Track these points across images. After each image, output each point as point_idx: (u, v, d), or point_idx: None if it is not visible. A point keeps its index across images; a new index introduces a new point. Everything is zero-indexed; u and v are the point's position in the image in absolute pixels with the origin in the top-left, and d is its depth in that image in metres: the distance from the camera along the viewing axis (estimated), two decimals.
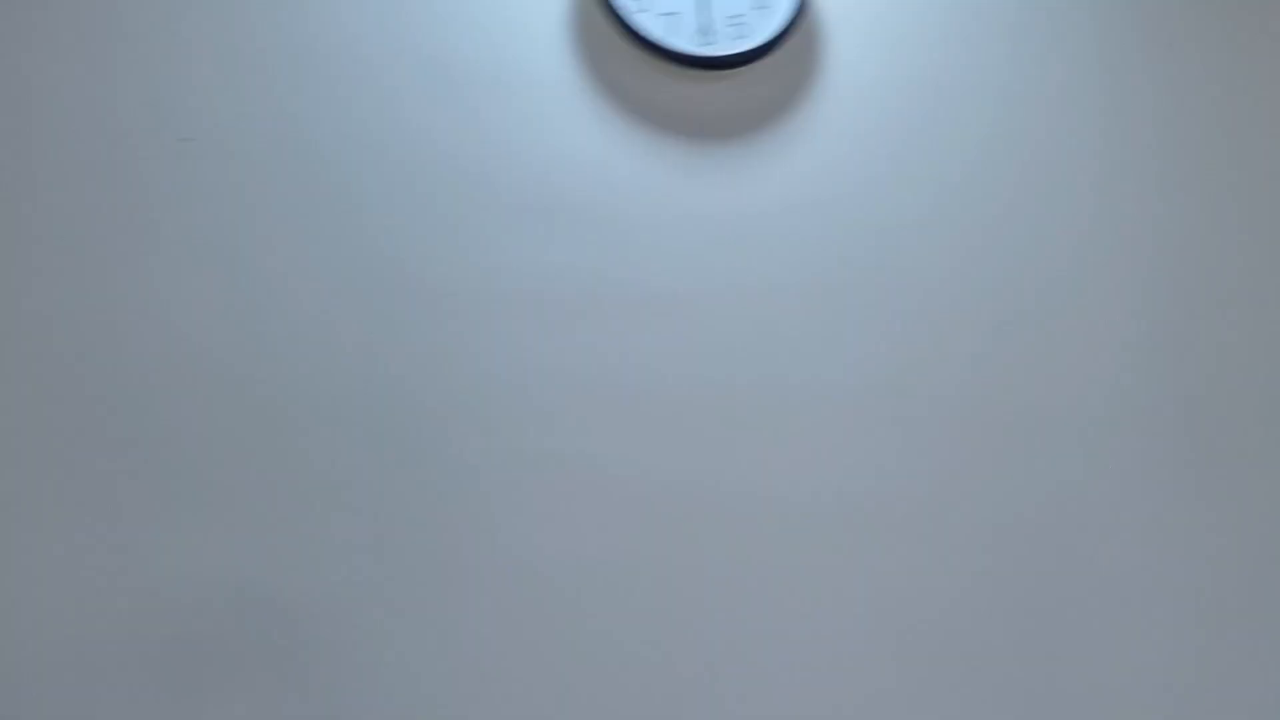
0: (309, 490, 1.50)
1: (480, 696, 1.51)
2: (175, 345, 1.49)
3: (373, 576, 1.50)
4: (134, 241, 1.50)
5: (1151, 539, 1.71)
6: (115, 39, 1.52)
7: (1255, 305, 1.80)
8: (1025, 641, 1.66)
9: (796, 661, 1.59)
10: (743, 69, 1.68)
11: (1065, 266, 1.74)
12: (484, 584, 1.52)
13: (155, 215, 1.50)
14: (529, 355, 1.57)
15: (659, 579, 1.57)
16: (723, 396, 1.61)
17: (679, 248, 1.63)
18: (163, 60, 1.53)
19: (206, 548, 1.46)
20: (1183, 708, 1.69)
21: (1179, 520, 1.72)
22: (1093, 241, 1.76)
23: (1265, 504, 1.75)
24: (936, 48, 1.75)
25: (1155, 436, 1.73)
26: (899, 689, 1.62)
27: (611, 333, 1.60)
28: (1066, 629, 1.67)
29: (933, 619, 1.63)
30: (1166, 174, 1.80)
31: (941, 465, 1.66)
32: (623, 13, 1.62)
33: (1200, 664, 1.71)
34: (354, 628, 1.49)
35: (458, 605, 1.51)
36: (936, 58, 1.75)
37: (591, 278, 1.60)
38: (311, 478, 1.50)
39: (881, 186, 1.70)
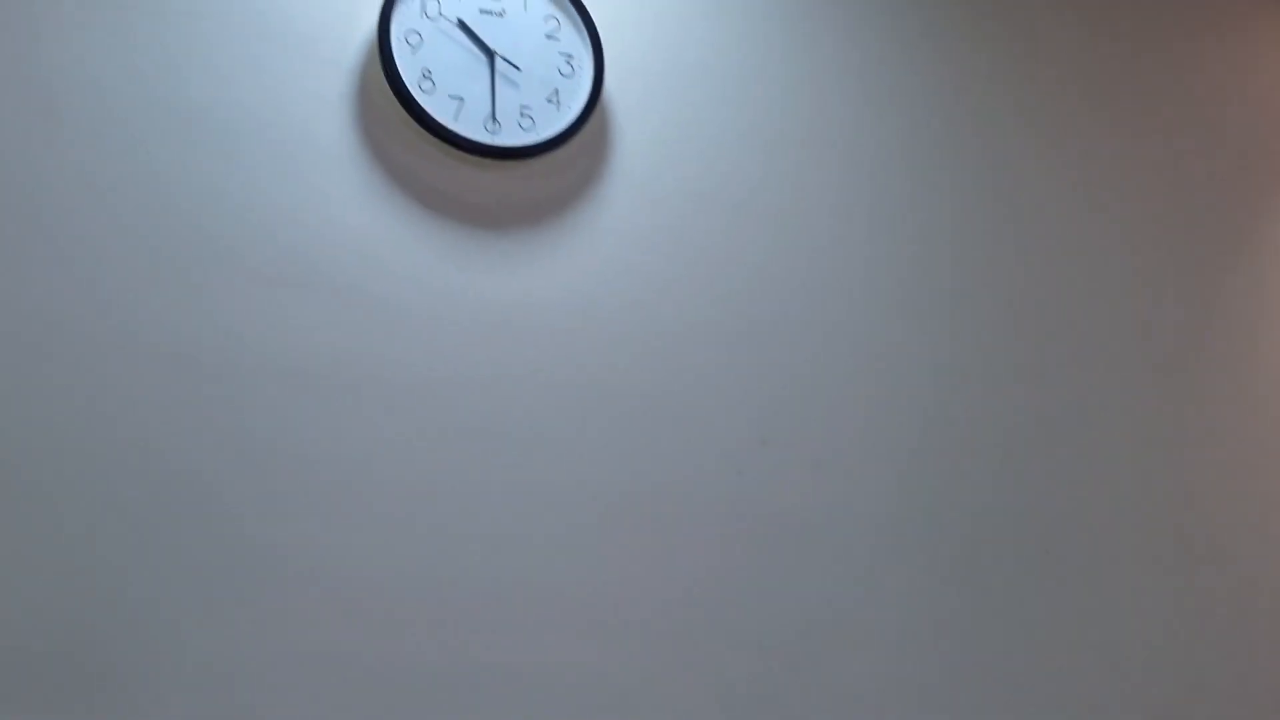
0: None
1: None
2: None
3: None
4: None
5: (907, 658, 1.75)
6: None
7: (1009, 439, 1.89)
8: None
9: None
10: (528, 160, 1.67)
11: (837, 378, 1.79)
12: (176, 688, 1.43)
13: None
14: (263, 430, 1.49)
15: (386, 675, 1.50)
16: (474, 493, 1.57)
17: (444, 335, 1.60)
18: None
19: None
20: None
21: (935, 639, 1.77)
22: (866, 356, 1.81)
23: (1019, 616, 1.82)
24: (723, 154, 1.79)
25: (914, 554, 1.78)
26: None
27: (360, 416, 1.54)
28: None
29: None
30: (954, 291, 1.88)
31: (700, 571, 1.66)
32: (410, 92, 1.60)
33: None
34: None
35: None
36: (722, 165, 1.79)
37: (346, 357, 1.54)
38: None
39: (658, 288, 1.71)
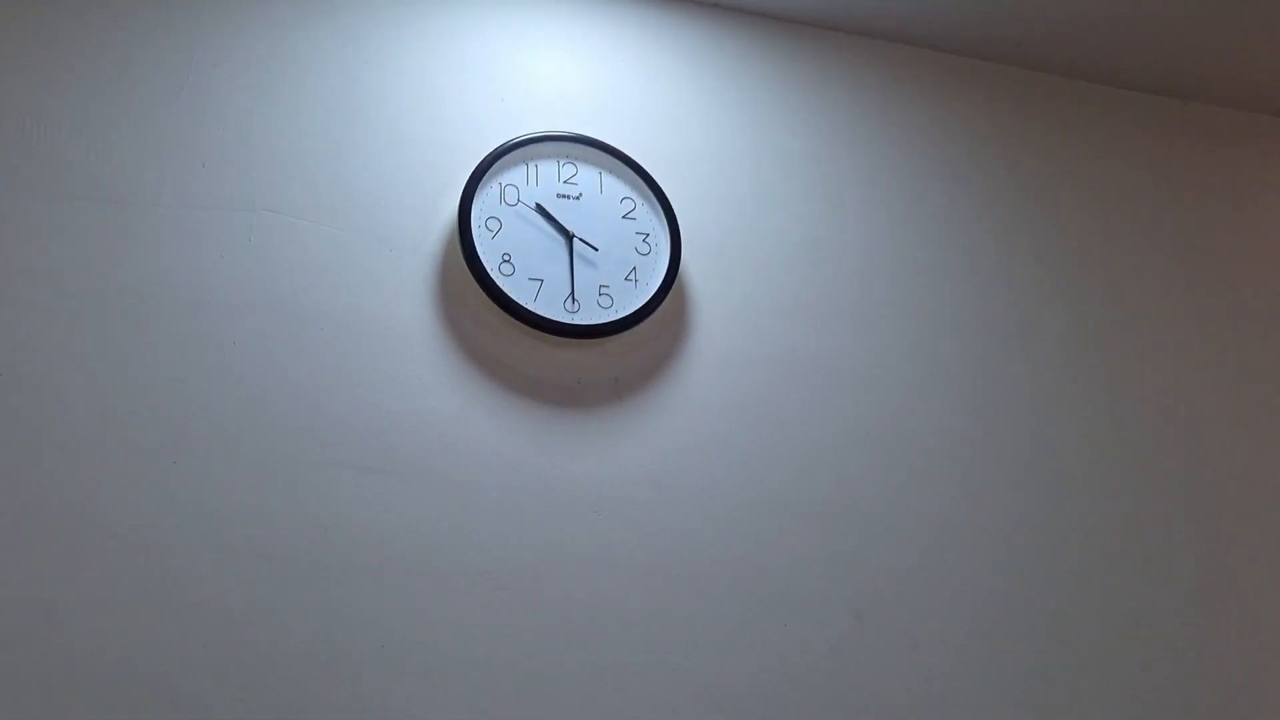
0: None
1: None
2: None
3: None
4: None
5: None
6: None
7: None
8: None
9: None
10: (608, 338, 1.67)
11: (933, 549, 1.72)
12: None
13: None
14: (354, 618, 1.46)
15: None
16: (559, 676, 1.51)
17: (527, 515, 1.57)
18: None
19: None
20: None
21: None
22: (963, 527, 1.75)
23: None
24: (801, 324, 1.78)
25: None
26: None
27: (447, 599, 1.50)
28: None
29: None
30: (1043, 456, 1.82)
31: None
32: (490, 276, 1.62)
33: None
34: None
35: None
36: (800, 335, 1.77)
37: (431, 541, 1.52)
38: None
39: (741, 461, 1.68)
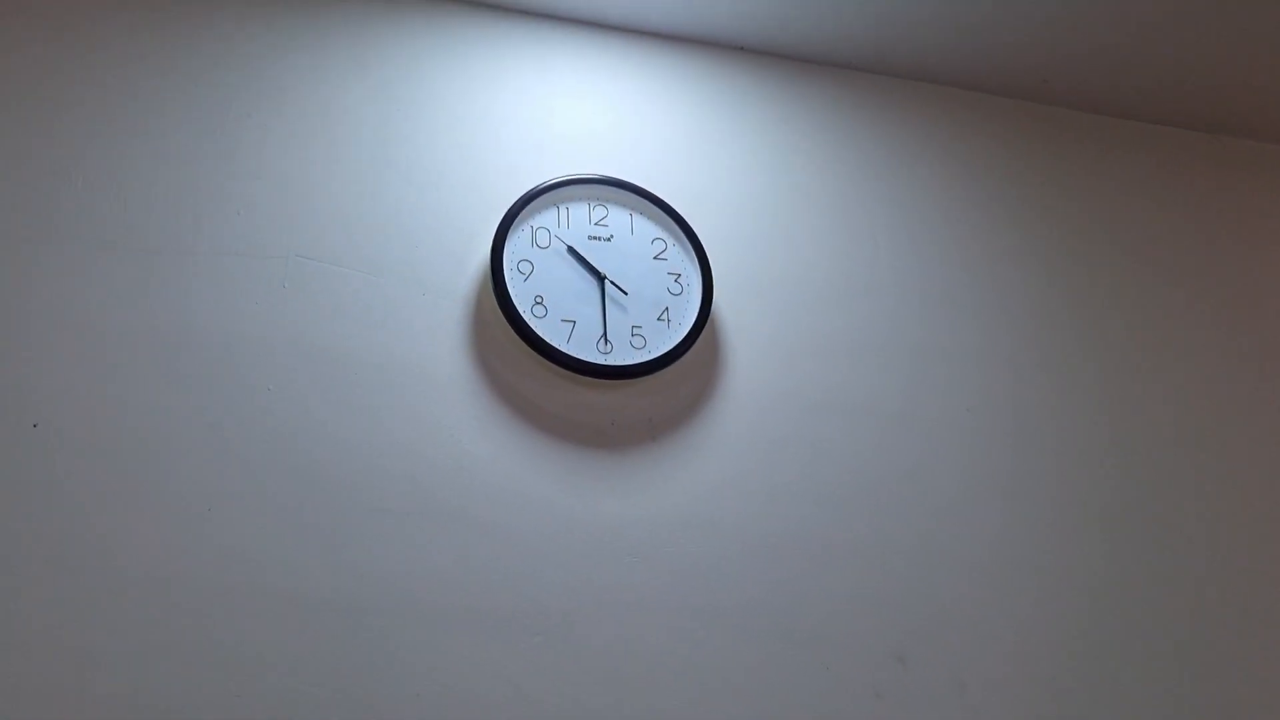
0: None
1: None
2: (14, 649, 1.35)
3: None
4: None
5: None
6: None
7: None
8: None
9: None
10: (641, 379, 1.67)
11: (978, 590, 1.69)
12: None
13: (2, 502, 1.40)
14: (393, 665, 1.45)
15: None
16: (595, 719, 1.49)
17: (562, 558, 1.55)
18: (12, 340, 1.47)
19: None
20: None
21: None
22: (1007, 566, 1.72)
23: None
24: (836, 362, 1.77)
25: None
26: None
27: (486, 644, 1.48)
28: None
29: None
30: (1064, 488, 1.79)
31: None
32: (523, 318, 1.62)
33: None
34: None
35: None
36: (835, 372, 1.76)
37: (470, 586, 1.50)
38: None
39: (779, 500, 1.66)
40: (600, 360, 1.63)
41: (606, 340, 1.65)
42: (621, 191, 1.74)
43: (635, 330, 1.67)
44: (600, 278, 1.68)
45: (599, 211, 1.73)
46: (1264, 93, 2.08)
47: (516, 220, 1.68)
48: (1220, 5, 1.88)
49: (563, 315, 1.65)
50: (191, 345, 1.52)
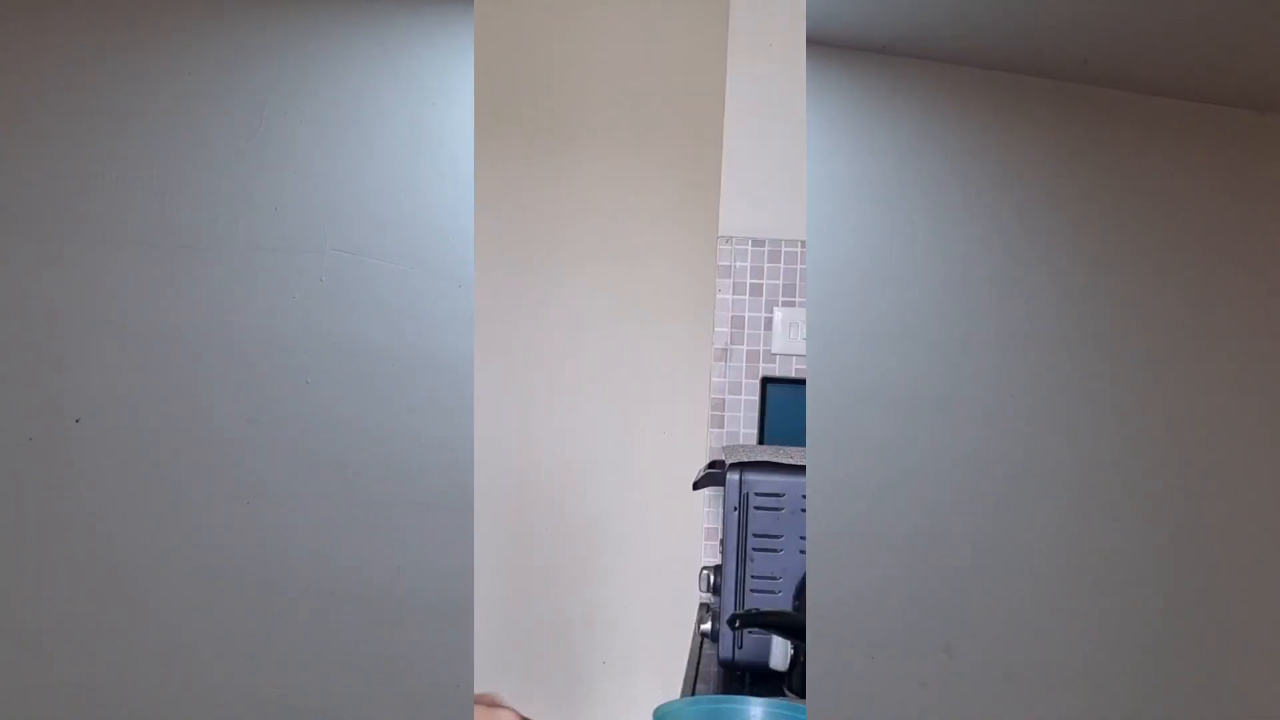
0: None
1: None
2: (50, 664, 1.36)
3: None
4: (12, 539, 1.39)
5: None
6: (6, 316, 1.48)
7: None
8: None
9: None
10: None
11: (1028, 576, 1.67)
12: None
13: (41, 496, 1.41)
14: (432, 660, 1.44)
15: None
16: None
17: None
18: (53, 338, 1.48)
19: None
20: None
21: None
22: (1058, 550, 1.69)
23: None
24: (872, 353, 1.75)
25: None
26: None
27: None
28: None
29: None
30: (1116, 476, 1.76)
31: None
32: None
33: None
34: None
35: None
36: (872, 363, 1.74)
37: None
38: None
39: (818, 494, 1.64)
40: None
41: None
42: None
43: None
44: None
45: None
46: None
47: None
48: None
49: None
50: (228, 341, 1.53)
